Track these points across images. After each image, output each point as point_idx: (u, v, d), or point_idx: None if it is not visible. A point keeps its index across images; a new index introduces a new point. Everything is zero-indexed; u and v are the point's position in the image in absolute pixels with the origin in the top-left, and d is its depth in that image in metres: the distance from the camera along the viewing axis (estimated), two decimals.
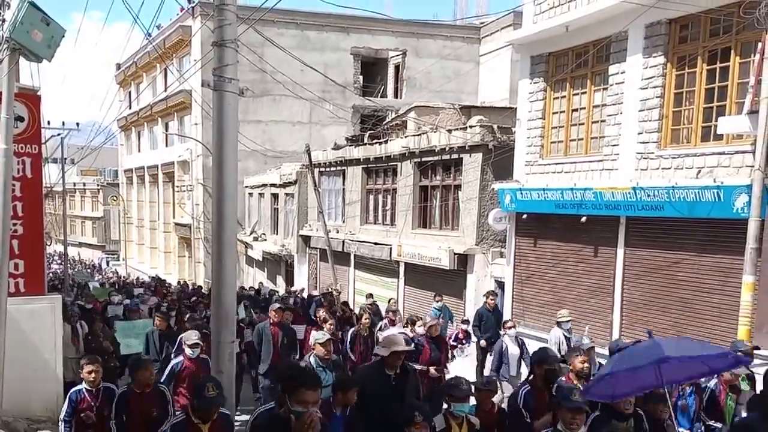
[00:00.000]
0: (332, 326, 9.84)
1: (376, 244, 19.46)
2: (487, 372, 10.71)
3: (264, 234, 28.83)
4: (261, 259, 28.59)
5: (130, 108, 41.99)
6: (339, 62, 32.84)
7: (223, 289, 4.87)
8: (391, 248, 18.56)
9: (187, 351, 7.46)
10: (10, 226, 7.79)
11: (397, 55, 34.57)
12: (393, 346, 5.80)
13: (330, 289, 17.48)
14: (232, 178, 4.91)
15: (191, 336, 7.60)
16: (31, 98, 9.24)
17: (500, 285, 15.14)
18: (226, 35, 4.84)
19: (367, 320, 10.83)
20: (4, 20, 6.99)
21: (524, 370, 9.44)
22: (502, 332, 10.62)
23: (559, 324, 10.20)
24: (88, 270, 44.62)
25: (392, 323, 11.63)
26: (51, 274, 35.32)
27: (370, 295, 17.58)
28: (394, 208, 19.28)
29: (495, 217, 14.60)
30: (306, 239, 24.28)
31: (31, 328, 8.19)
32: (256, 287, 23.28)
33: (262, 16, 10.84)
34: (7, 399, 7.48)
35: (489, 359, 10.99)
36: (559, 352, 9.40)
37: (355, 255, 21.07)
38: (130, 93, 44.35)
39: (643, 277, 11.66)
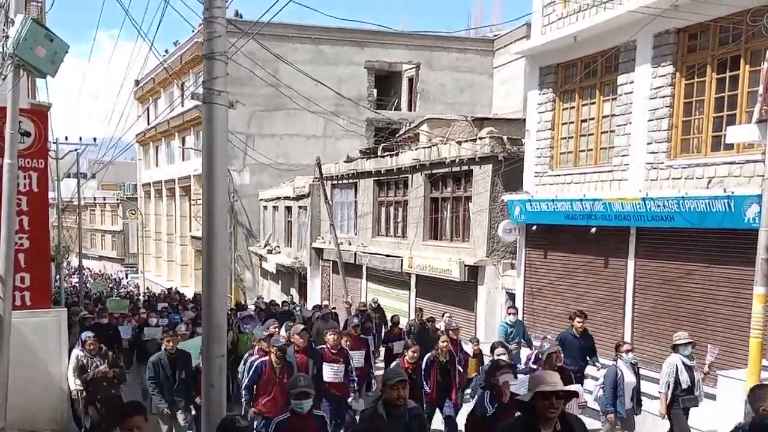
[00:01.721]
0: (416, 353, 8.60)
1: (387, 256, 19.43)
2: (594, 405, 8.76)
3: (278, 246, 28.91)
4: (275, 272, 28.67)
5: (148, 123, 42.48)
6: (353, 76, 32.99)
7: (213, 303, 4.86)
8: (402, 260, 18.51)
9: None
10: (15, 240, 7.88)
11: (411, 68, 34.67)
12: (541, 385, 3.84)
13: (370, 305, 16.83)
14: (222, 191, 4.92)
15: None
16: (38, 113, 9.36)
17: (511, 297, 15.04)
18: (216, 48, 4.86)
19: (446, 343, 9.06)
20: (7, 37, 7.07)
21: (647, 402, 8.68)
22: (614, 356, 8.70)
23: (675, 348, 8.30)
24: (111, 285, 44.91)
25: (454, 344, 9.66)
26: (71, 288, 35.60)
27: (375, 301, 17.50)
28: (406, 220, 19.25)
29: (504, 229, 14.52)
30: (319, 252, 24.31)
31: (37, 341, 8.23)
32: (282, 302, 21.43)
33: (259, 30, 10.85)
34: (12, 411, 7.53)
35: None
36: (678, 384, 8.04)
37: (367, 267, 21.06)
38: (148, 108, 44.87)
39: (653, 288, 11.51)
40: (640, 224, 11.46)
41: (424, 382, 8.70)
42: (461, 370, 9.61)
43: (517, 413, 4.19)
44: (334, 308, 17.58)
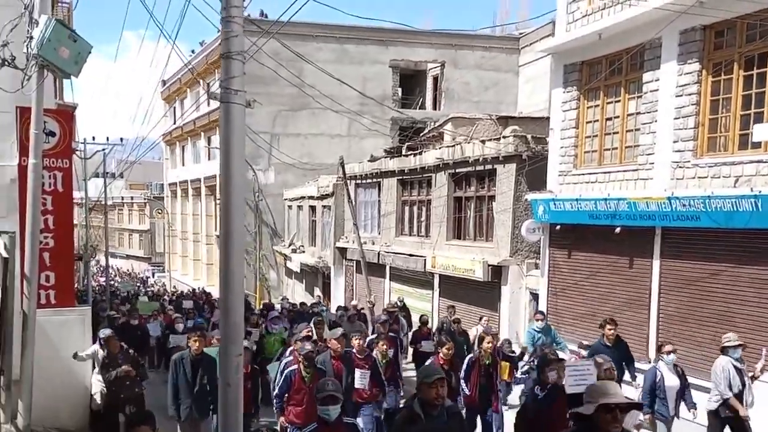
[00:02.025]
0: (450, 350, 8.54)
1: (410, 255, 19.41)
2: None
3: (302, 246, 29.05)
4: (299, 271, 28.80)
5: (174, 123, 42.95)
6: (378, 75, 33.04)
7: (230, 303, 4.87)
8: (425, 260, 18.48)
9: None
10: (40, 239, 8.01)
11: (436, 67, 34.62)
12: (605, 397, 3.53)
13: (396, 304, 16.56)
14: (239, 190, 4.92)
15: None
16: (62, 114, 9.50)
17: (534, 297, 14.93)
18: (233, 47, 4.85)
19: (491, 344, 8.74)
20: (31, 37, 7.17)
21: (684, 409, 8.18)
22: (654, 358, 8.64)
23: (724, 350, 7.95)
24: (138, 284, 45.47)
25: (497, 352, 9.26)
26: (98, 287, 36.08)
27: (401, 300, 17.39)
28: (429, 220, 19.21)
29: (528, 228, 14.41)
30: (342, 251, 24.37)
31: (61, 340, 8.34)
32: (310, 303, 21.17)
33: (279, 29, 10.91)
34: (37, 409, 7.66)
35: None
36: (730, 388, 7.70)
37: (390, 267, 21.05)
38: (174, 108, 45.34)
39: (679, 289, 11.35)
40: (666, 224, 11.30)
41: (464, 384, 8.53)
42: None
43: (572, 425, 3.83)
44: (361, 308, 17.53)
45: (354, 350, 8.56)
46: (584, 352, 7.99)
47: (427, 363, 8.68)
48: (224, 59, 4.90)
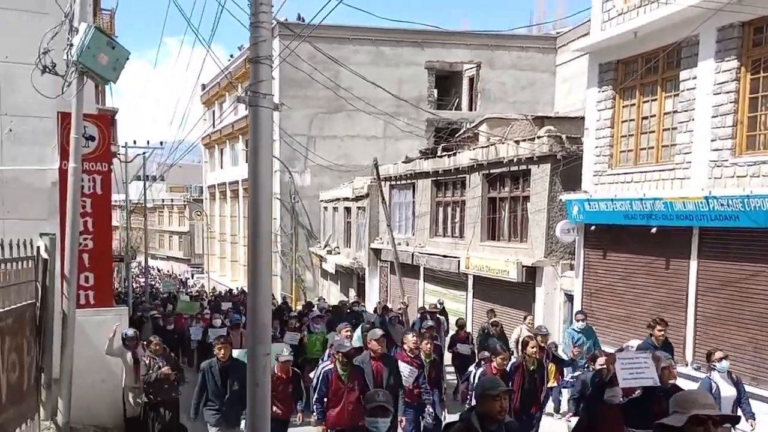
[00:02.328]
0: (505, 361, 8.15)
1: (444, 256, 19.38)
2: None
3: (337, 247, 29.20)
4: (334, 272, 28.97)
5: (213, 126, 43.59)
6: (413, 76, 33.03)
7: (257, 303, 4.95)
8: (459, 261, 18.43)
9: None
10: (80, 240, 8.22)
11: (472, 68, 34.47)
12: (696, 408, 3.13)
13: (436, 306, 16.27)
14: (266, 192, 5.01)
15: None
16: (101, 118, 9.73)
17: (569, 298, 14.78)
18: (261, 52, 4.95)
19: (535, 349, 8.38)
20: (71, 45, 7.36)
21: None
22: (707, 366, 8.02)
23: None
24: (178, 285, 46.11)
25: (542, 352, 8.79)
26: (139, 288, 36.72)
27: (441, 302, 17.22)
28: (463, 221, 19.16)
29: (562, 229, 14.27)
30: (377, 252, 24.44)
31: (99, 339, 8.51)
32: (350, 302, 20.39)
33: (311, 32, 11.02)
34: (76, 406, 7.82)
35: None
36: None
37: (424, 268, 21.04)
38: (213, 112, 46.01)
39: (717, 290, 11.12)
40: (703, 224, 11.10)
41: None
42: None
43: None
44: (400, 310, 17.06)
45: (407, 347, 8.41)
46: (649, 356, 7.50)
47: (473, 371, 8.54)
48: (253, 63, 4.99)
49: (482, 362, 9.23)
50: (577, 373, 9.68)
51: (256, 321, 4.98)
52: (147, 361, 9.06)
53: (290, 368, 8.42)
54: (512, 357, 9.48)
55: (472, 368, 9.76)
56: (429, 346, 9.15)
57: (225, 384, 8.09)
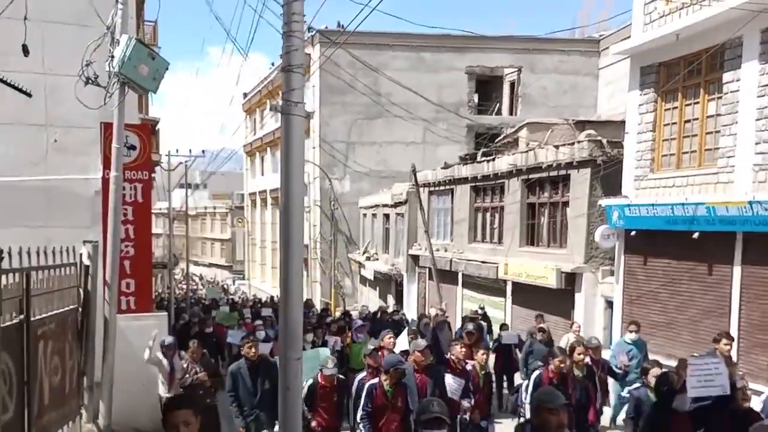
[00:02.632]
0: (563, 363, 7.58)
1: (483, 262, 19.27)
2: None
3: (376, 253, 29.28)
4: (373, 279, 29.04)
5: (254, 134, 44.21)
6: (453, 81, 32.98)
7: (289, 309, 5.03)
8: (497, 267, 18.31)
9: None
10: (121, 247, 8.43)
11: (513, 72, 34.25)
12: None
13: (477, 312, 15.87)
14: (298, 199, 5.07)
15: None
16: (142, 128, 9.97)
17: (609, 305, 14.55)
18: (293, 61, 5.03)
19: (582, 355, 8.08)
20: (113, 56, 7.58)
21: None
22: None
23: None
24: (221, 292, 46.49)
25: (596, 364, 8.59)
26: (181, 293, 37.24)
27: (482, 308, 16.93)
28: (502, 226, 19.04)
29: (602, 234, 14.05)
30: (415, 258, 24.43)
31: (140, 344, 8.67)
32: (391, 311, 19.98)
33: (345, 39, 11.10)
34: (117, 410, 8.00)
35: None
36: None
37: (462, 274, 20.95)
38: (255, 120, 46.67)
39: (762, 297, 10.81)
40: (747, 229, 10.80)
41: None
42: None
43: None
44: (447, 316, 16.76)
45: (454, 358, 8.02)
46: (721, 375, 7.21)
47: (533, 376, 7.95)
48: (285, 72, 5.07)
49: (535, 371, 8.68)
50: (632, 388, 9.14)
51: (287, 326, 5.05)
52: (185, 366, 9.08)
53: (335, 377, 8.02)
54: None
55: (518, 376, 9.36)
56: (484, 356, 8.65)
57: (255, 383, 7.97)
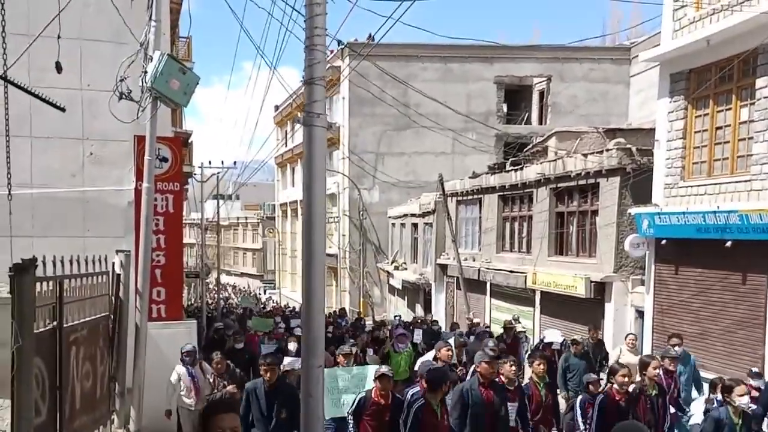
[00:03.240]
0: (627, 378, 6.93)
1: (511, 272, 19.17)
2: None
3: (404, 263, 29.31)
4: (401, 288, 29.07)
5: (285, 146, 44.60)
6: (482, 91, 32.97)
7: (311, 315, 5.08)
8: (526, 276, 18.20)
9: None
10: (153, 257, 8.62)
11: (542, 81, 34.11)
12: None
13: (511, 322, 14.83)
14: (320, 209, 5.13)
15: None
16: (174, 141, 10.20)
17: (640, 314, 14.36)
18: (315, 73, 5.12)
19: (657, 371, 7.42)
20: (146, 72, 7.80)
21: None
22: None
23: None
24: (254, 301, 46.28)
25: (672, 379, 7.99)
26: (213, 304, 37.35)
27: (516, 319, 16.18)
28: (530, 236, 18.93)
29: (632, 243, 13.90)
30: (443, 268, 24.40)
31: (170, 351, 8.84)
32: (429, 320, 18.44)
33: (369, 51, 11.20)
34: (148, 415, 8.18)
35: None
36: None
37: (490, 283, 20.85)
38: (286, 132, 47.10)
39: None
40: None
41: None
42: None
43: None
44: (487, 326, 16.35)
45: (504, 377, 7.02)
46: (754, 382, 7.12)
47: (599, 399, 7.13)
48: (307, 85, 5.17)
49: (586, 388, 7.96)
50: (695, 411, 8.53)
51: (310, 334, 5.11)
52: (211, 380, 8.80)
53: (390, 393, 6.98)
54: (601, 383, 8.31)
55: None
56: (541, 366, 7.80)
57: (271, 408, 7.01)
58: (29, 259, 4.91)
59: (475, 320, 17.38)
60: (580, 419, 7.39)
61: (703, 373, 10.70)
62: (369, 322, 22.04)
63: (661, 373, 7.66)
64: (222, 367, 8.97)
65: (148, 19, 8.07)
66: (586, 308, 15.75)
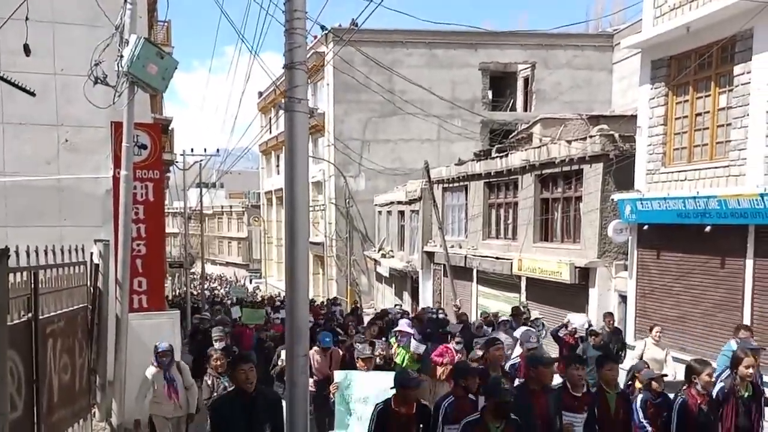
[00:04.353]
0: (711, 377, 5.95)
1: (497, 258, 19.24)
2: None
3: (391, 251, 29.32)
4: (388, 276, 29.09)
5: (270, 133, 44.29)
6: (467, 78, 32.91)
7: (295, 304, 5.08)
8: (511, 263, 18.27)
9: None
10: (133, 246, 8.51)
11: (526, 68, 34.11)
12: None
13: (520, 309, 14.26)
14: (302, 196, 5.12)
15: None
16: (153, 127, 10.05)
17: (623, 299, 14.48)
18: (296, 57, 5.07)
19: (750, 370, 6.16)
20: (122, 56, 7.65)
21: None
22: None
23: None
24: (246, 292, 44.04)
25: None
26: (209, 293, 36.61)
27: (525, 306, 15.74)
28: (515, 222, 18.99)
29: (615, 229, 14.00)
30: (430, 255, 24.44)
31: (152, 342, 8.62)
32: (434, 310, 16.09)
33: (351, 36, 11.13)
34: (130, 408, 8.07)
35: None
36: None
37: (477, 270, 20.93)
38: (270, 119, 46.77)
39: None
40: (759, 222, 10.73)
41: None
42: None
43: None
44: (463, 312, 14.99)
45: (569, 382, 5.85)
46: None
47: (677, 403, 5.98)
48: (288, 70, 5.12)
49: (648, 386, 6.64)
50: None
51: (294, 324, 5.11)
52: (209, 382, 7.76)
53: (416, 402, 5.82)
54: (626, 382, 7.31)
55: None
56: (613, 373, 6.06)
57: (250, 424, 5.13)
58: (1, 249, 4.84)
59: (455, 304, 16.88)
60: (644, 420, 6.35)
61: (682, 355, 10.83)
62: (367, 311, 21.82)
63: (754, 372, 6.36)
64: (222, 366, 7.74)
65: (123, 1, 7.92)
66: (571, 294, 15.86)
